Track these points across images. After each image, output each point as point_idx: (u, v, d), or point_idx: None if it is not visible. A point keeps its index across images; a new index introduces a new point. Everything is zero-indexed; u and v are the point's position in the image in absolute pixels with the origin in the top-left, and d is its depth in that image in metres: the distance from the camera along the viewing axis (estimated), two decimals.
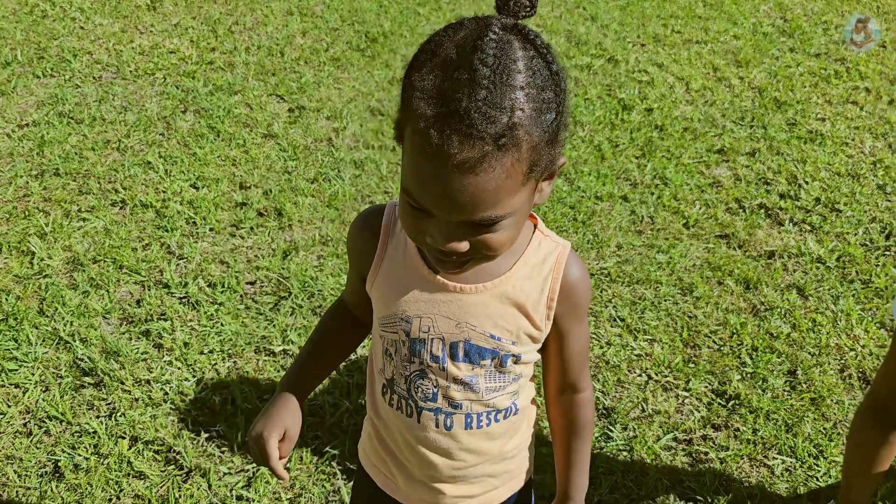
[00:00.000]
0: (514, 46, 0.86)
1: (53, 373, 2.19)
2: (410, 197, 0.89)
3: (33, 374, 2.17)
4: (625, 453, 2.06)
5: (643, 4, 4.56)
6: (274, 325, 2.36)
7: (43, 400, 2.11)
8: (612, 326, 2.44)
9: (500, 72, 0.83)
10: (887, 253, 2.77)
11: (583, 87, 3.72)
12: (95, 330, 2.32)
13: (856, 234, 2.84)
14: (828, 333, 2.42)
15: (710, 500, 1.94)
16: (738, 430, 2.13)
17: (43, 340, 2.28)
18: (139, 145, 3.13)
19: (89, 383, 2.17)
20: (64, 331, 2.30)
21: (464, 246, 0.91)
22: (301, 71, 3.68)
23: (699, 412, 2.18)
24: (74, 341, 2.27)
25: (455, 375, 1.07)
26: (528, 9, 0.88)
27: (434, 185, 0.85)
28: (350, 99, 3.51)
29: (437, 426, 1.10)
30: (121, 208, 2.81)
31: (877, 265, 2.70)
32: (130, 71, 3.59)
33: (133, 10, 4.10)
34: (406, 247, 1.07)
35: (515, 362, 1.09)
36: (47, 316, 2.35)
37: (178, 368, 2.21)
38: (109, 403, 2.12)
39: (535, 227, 1.09)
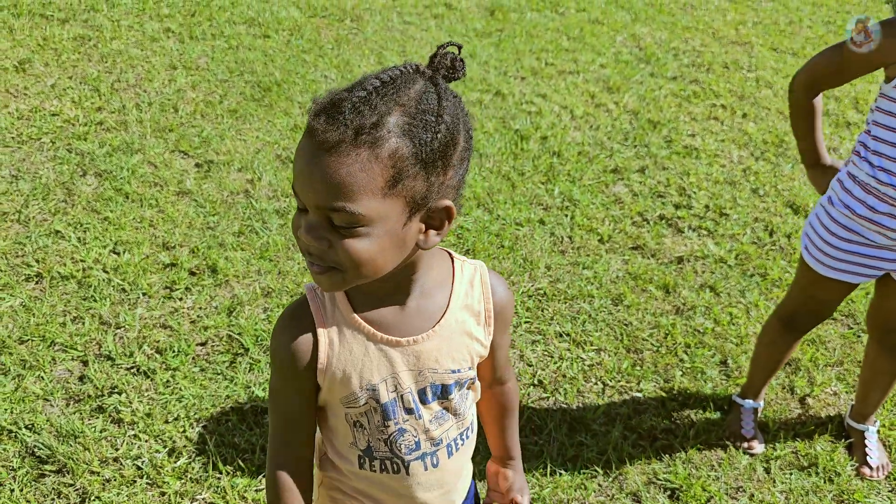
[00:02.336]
0: (416, 80, 0.93)
1: (4, 465, 2.03)
2: (294, 191, 0.96)
3: None
4: (600, 458, 2.21)
5: (514, 41, 4.86)
6: (235, 384, 2.31)
7: (2, 499, 1.95)
8: (560, 342, 2.60)
9: (388, 86, 0.90)
10: (773, 248, 3.14)
11: (479, 121, 3.92)
12: (40, 414, 2.17)
13: (745, 234, 3.19)
14: (744, 324, 2.71)
15: (685, 488, 2.13)
16: (692, 420, 2.34)
17: None
18: (41, 215, 2.95)
19: (50, 471, 2.02)
20: (4, 420, 2.13)
21: (321, 243, 0.93)
22: (200, 125, 3.61)
23: (655, 410, 2.37)
24: (20, 429, 2.11)
25: (430, 417, 1.12)
26: (450, 70, 0.95)
27: (300, 162, 0.92)
28: (257, 149, 3.49)
29: (425, 469, 1.15)
30: (37, 283, 2.64)
31: (768, 259, 3.06)
32: (13, 137, 3.37)
33: (0, 74, 3.84)
34: (346, 320, 1.05)
35: (473, 380, 1.17)
36: None
37: (146, 441, 2.12)
38: (78, 489, 1.99)
39: (451, 256, 1.14)
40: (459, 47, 1.00)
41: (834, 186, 1.90)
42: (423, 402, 1.11)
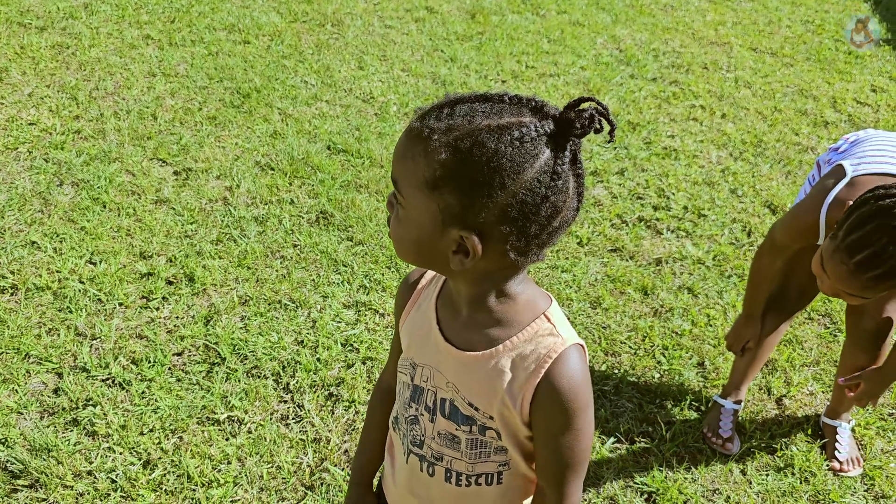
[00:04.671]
0: (522, 114, 0.93)
1: None
2: None
3: None
4: None
5: (495, 44, 4.87)
6: (212, 394, 2.31)
7: None
8: None
9: (479, 110, 0.93)
10: (751, 248, 3.16)
11: None
12: (14, 428, 2.15)
13: (723, 235, 3.21)
14: (721, 325, 2.73)
15: (662, 491, 2.13)
16: (669, 422, 2.35)
17: None
18: (17, 225, 2.93)
19: (23, 486, 2.01)
20: None
21: (389, 209, 1.03)
22: (178, 132, 3.60)
23: (632, 413, 2.38)
24: None
25: (440, 429, 1.11)
26: (579, 130, 0.92)
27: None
28: (236, 157, 3.48)
29: (421, 470, 1.16)
30: (12, 294, 2.62)
31: (746, 260, 3.07)
32: None
33: None
34: (431, 300, 1.14)
35: (498, 437, 1.08)
36: None
37: (120, 454, 2.11)
38: (52, 503, 1.98)
39: (544, 311, 1.05)
40: (603, 107, 0.94)
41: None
42: (441, 411, 1.10)
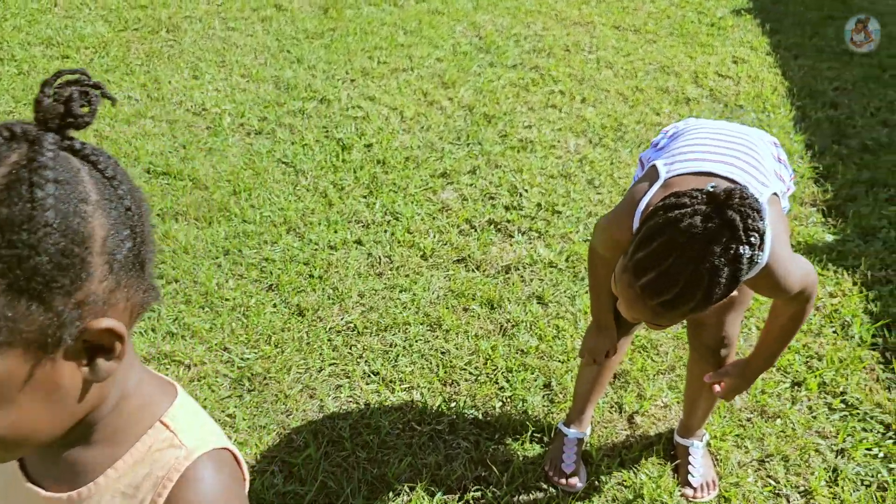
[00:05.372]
0: (9, 153, 0.63)
1: None
2: None
3: None
4: None
5: (346, 40, 4.53)
6: None
7: None
8: (367, 384, 2.31)
9: None
10: None
11: (299, 132, 3.58)
12: None
13: (577, 232, 2.98)
14: (571, 336, 2.49)
15: None
16: (507, 461, 2.09)
17: None
18: None
19: None
20: None
21: None
22: None
23: (468, 454, 2.11)
24: None
25: None
26: (67, 115, 0.65)
27: None
28: None
29: None
30: None
31: None
32: None
33: None
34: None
35: None
36: None
37: None
38: None
39: (161, 416, 0.77)
40: (84, 73, 0.68)
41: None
42: None
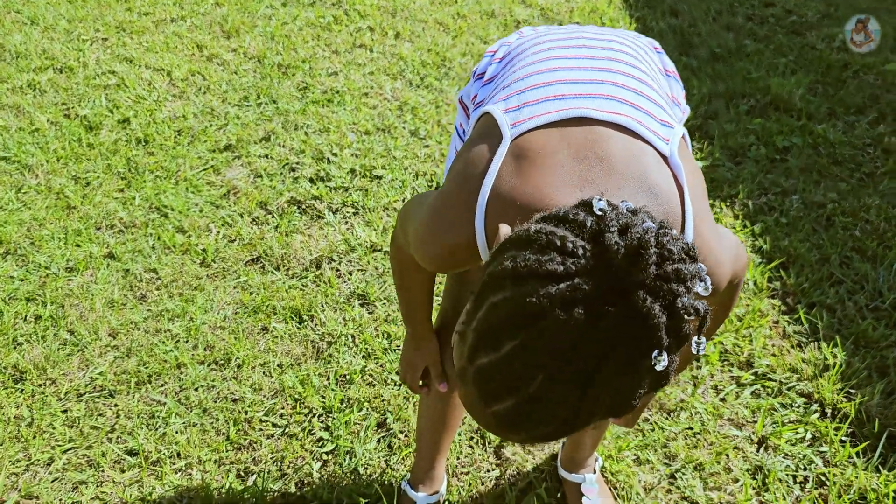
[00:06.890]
0: None
1: None
2: None
3: None
4: None
5: None
6: None
7: None
8: (122, 472, 1.58)
9: None
10: None
11: (26, 115, 2.68)
12: None
13: (403, 200, 2.34)
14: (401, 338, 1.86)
15: None
16: None
17: None
18: None
19: None
20: None
21: None
22: None
23: None
24: None
25: None
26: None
27: None
28: None
29: None
30: None
31: None
32: None
33: None
34: None
35: None
36: None
37: None
38: None
39: None
40: None
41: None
42: None
